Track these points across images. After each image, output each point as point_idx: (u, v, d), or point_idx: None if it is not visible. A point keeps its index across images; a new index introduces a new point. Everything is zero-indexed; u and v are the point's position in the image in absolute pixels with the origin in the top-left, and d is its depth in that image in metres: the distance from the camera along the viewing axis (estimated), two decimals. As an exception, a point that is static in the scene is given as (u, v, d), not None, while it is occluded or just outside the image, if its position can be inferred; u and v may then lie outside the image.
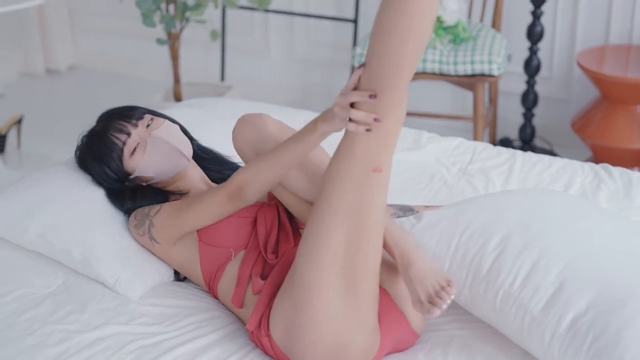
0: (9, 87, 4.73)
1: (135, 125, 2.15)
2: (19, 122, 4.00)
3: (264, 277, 1.97)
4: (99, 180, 2.22)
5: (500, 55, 3.47)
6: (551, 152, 3.86)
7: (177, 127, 2.21)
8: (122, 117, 2.16)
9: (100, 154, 2.17)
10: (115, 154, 2.15)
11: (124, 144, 2.14)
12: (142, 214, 2.11)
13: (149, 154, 2.14)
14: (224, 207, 1.98)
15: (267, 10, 4.09)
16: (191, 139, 2.28)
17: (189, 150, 2.19)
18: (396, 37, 1.66)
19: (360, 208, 1.74)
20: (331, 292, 1.77)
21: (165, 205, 2.08)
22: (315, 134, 1.83)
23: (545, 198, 2.01)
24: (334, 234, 1.75)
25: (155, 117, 2.19)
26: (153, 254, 2.15)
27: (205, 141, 2.38)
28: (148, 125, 2.16)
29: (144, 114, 2.18)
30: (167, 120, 2.21)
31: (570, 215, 1.94)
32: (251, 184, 1.93)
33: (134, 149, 2.14)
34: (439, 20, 3.48)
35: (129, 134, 2.14)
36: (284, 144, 1.89)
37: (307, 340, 1.80)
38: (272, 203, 2.07)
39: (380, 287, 1.91)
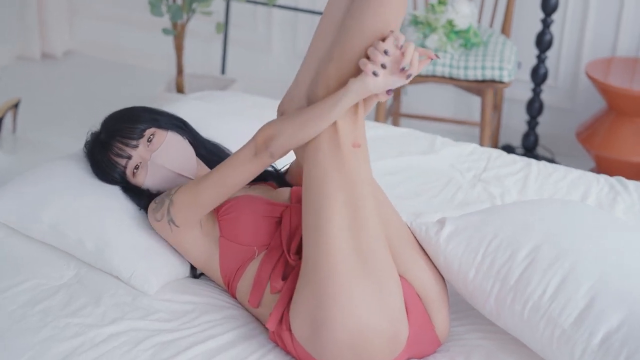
0: (4, 70, 4.65)
1: (136, 147, 2.10)
2: (15, 106, 3.94)
3: (284, 278, 1.94)
4: (109, 183, 2.19)
5: (510, 61, 3.45)
6: (552, 161, 3.85)
7: (179, 138, 2.14)
8: (122, 136, 2.10)
9: (104, 168, 2.15)
10: (117, 174, 2.14)
11: (125, 167, 2.12)
12: (163, 195, 2.05)
13: (150, 177, 2.11)
14: (249, 165, 1.89)
15: (272, 5, 4.05)
16: (196, 140, 2.21)
17: (191, 167, 2.13)
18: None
19: (349, 184, 1.80)
20: (348, 274, 1.77)
21: (187, 183, 2.02)
22: (350, 94, 1.79)
23: (574, 211, 1.99)
24: (333, 216, 1.79)
25: (157, 131, 2.12)
26: (171, 245, 2.10)
27: (219, 137, 2.33)
28: (150, 140, 2.11)
29: (145, 130, 2.11)
30: (169, 132, 2.14)
31: (600, 230, 1.91)
32: (278, 137, 1.85)
33: (137, 169, 2.11)
34: (450, 24, 3.45)
35: (129, 157, 2.11)
36: (316, 106, 1.83)
37: (331, 330, 1.77)
38: (298, 205, 2.03)
39: (412, 288, 1.89)
